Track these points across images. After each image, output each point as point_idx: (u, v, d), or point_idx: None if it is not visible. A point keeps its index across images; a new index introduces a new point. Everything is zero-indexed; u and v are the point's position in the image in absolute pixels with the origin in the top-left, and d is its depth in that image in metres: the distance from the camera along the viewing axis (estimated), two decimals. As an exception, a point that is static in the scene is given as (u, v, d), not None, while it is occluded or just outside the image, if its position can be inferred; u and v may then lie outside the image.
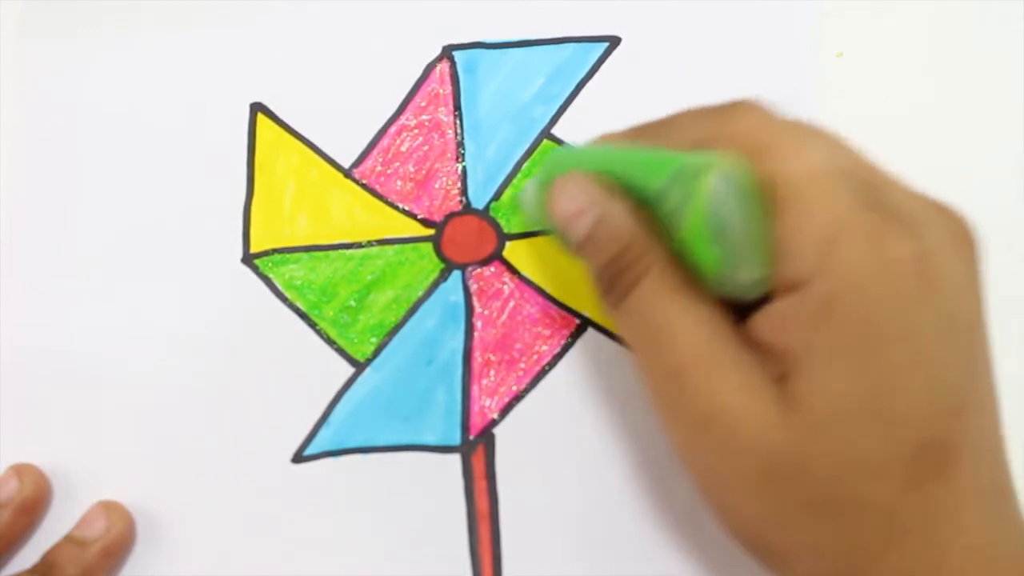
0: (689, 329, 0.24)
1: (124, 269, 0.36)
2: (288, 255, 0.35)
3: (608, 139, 0.29)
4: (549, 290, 0.34)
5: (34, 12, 0.39)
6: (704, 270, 0.24)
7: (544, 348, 0.33)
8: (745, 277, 0.24)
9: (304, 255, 0.35)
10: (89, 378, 0.34)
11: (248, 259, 0.35)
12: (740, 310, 0.25)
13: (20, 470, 0.33)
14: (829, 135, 0.25)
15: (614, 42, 0.37)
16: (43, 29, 0.39)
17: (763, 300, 0.24)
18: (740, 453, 0.23)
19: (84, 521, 0.32)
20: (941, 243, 0.23)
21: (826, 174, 0.23)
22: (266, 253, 0.35)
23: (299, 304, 0.35)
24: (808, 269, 0.23)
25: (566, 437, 0.32)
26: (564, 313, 0.34)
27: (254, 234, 0.36)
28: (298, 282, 0.35)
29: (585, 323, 0.34)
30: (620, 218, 0.26)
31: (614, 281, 0.26)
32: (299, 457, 0.33)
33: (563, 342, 0.33)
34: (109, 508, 0.32)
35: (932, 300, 0.23)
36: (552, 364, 0.33)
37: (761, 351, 0.24)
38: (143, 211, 0.36)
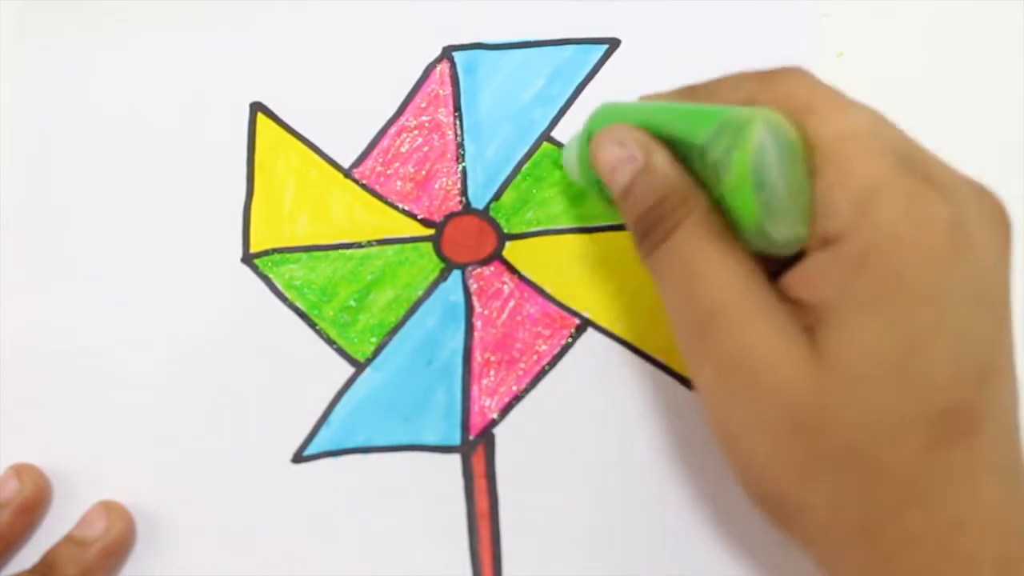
0: (724, 275, 0.24)
1: (124, 269, 0.36)
2: (288, 255, 0.35)
3: (652, 98, 0.29)
4: (549, 290, 0.34)
5: (34, 12, 0.39)
6: (744, 222, 0.24)
7: (544, 348, 0.33)
8: (785, 231, 0.24)
9: (304, 255, 0.35)
10: (89, 378, 0.34)
11: (248, 259, 0.35)
12: (773, 268, 0.25)
13: (20, 470, 0.33)
14: (872, 108, 0.25)
15: (614, 44, 0.37)
16: (43, 29, 0.39)
17: (796, 259, 0.25)
18: (766, 399, 0.23)
19: (84, 521, 0.32)
20: (976, 215, 0.24)
21: (868, 137, 0.24)
22: (266, 253, 0.35)
23: (299, 304, 0.35)
24: (845, 224, 0.23)
25: (566, 437, 0.32)
26: (564, 313, 0.34)
27: (254, 234, 0.36)
28: (298, 282, 0.35)
29: (585, 323, 0.34)
30: (663, 166, 0.26)
31: (654, 226, 0.26)
32: (299, 457, 0.33)
33: (563, 342, 0.33)
34: (109, 508, 0.32)
35: (963, 266, 0.23)
36: (552, 364, 0.33)
37: (793, 306, 0.24)
38: (143, 211, 0.36)
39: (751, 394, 0.24)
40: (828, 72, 0.36)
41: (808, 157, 0.24)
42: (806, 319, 0.24)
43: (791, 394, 0.23)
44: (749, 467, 0.25)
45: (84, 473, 0.33)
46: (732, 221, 0.25)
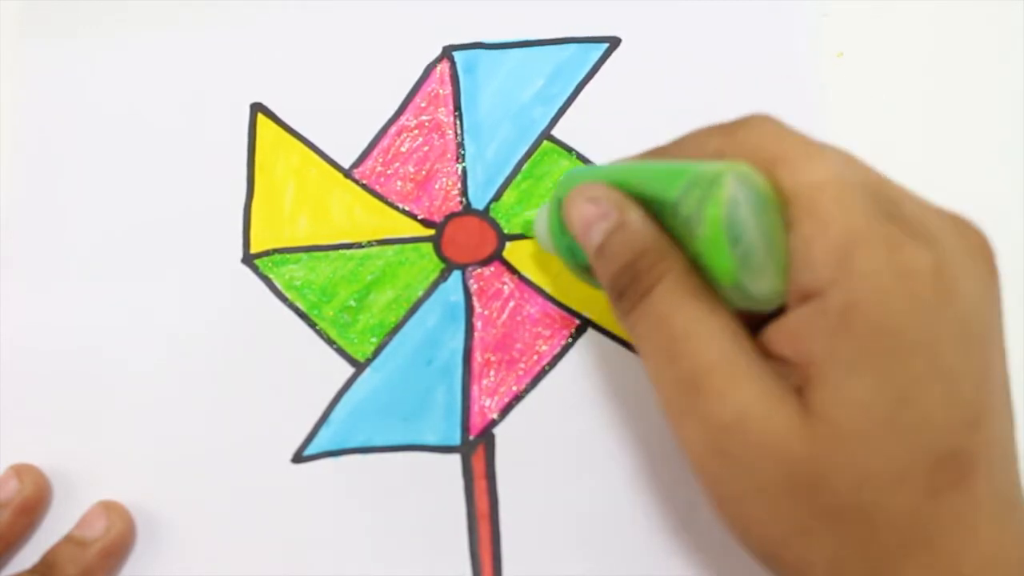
0: (707, 335, 0.24)
1: (124, 269, 0.36)
2: (288, 255, 0.35)
3: (621, 161, 0.29)
4: (549, 290, 0.34)
5: (34, 12, 0.39)
6: (721, 279, 0.24)
7: (544, 348, 0.33)
8: (763, 286, 0.24)
9: (304, 255, 0.35)
10: (89, 378, 0.34)
11: (248, 259, 0.35)
12: (753, 324, 0.25)
13: (20, 470, 0.33)
14: (841, 150, 0.25)
15: (614, 43, 0.37)
16: (43, 29, 0.39)
17: (775, 314, 0.24)
18: (759, 462, 0.23)
19: (84, 521, 0.32)
20: (957, 254, 0.23)
21: (841, 185, 0.23)
22: (266, 253, 0.35)
23: (299, 304, 0.35)
24: (825, 279, 0.23)
25: (566, 437, 0.32)
26: (564, 313, 0.34)
27: (254, 234, 0.36)
28: (298, 282, 0.35)
29: (585, 323, 0.34)
30: (638, 223, 0.25)
31: (631, 285, 0.25)
32: (299, 457, 0.33)
33: (563, 342, 0.33)
34: (109, 508, 0.32)
35: (949, 311, 0.23)
36: (552, 364, 0.33)
37: (777, 363, 0.24)
38: (143, 211, 0.36)
39: (744, 458, 0.23)
40: (828, 72, 0.36)
41: (782, 209, 0.24)
42: (792, 377, 0.23)
43: (785, 455, 0.23)
44: (746, 529, 0.25)
45: (84, 473, 0.33)
46: (709, 279, 0.24)
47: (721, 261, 0.24)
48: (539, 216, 0.31)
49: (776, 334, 0.24)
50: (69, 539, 0.32)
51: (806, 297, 0.23)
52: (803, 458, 0.23)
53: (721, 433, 0.23)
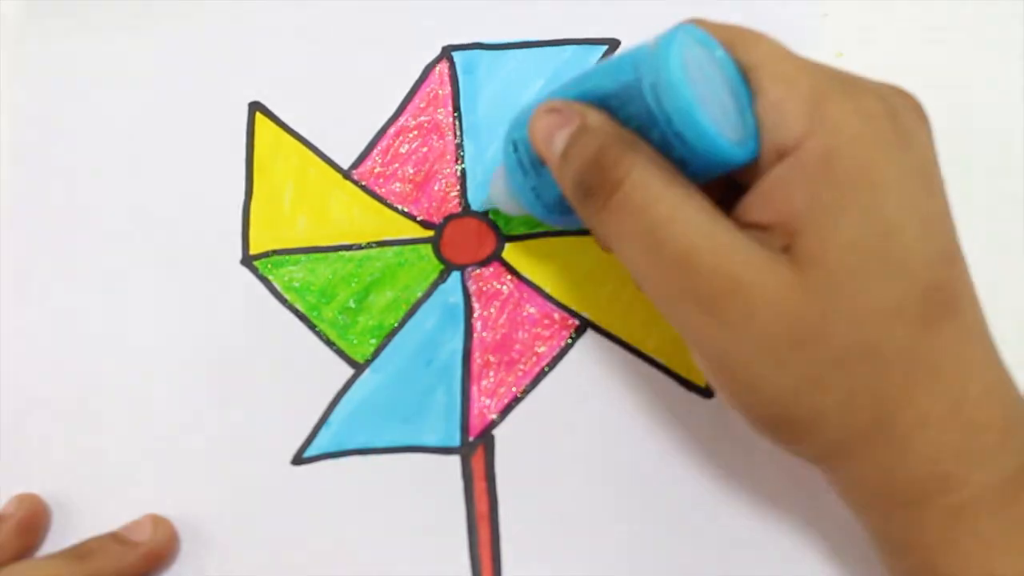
0: (686, 218, 0.24)
1: (123, 271, 0.36)
2: (287, 256, 0.35)
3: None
4: (548, 291, 0.34)
5: (34, 13, 0.39)
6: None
7: (543, 349, 0.33)
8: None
9: (303, 256, 0.35)
10: (88, 379, 0.34)
11: (247, 260, 0.35)
12: (723, 205, 0.25)
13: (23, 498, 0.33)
14: None
15: (613, 44, 0.37)
16: (43, 30, 0.39)
17: (744, 191, 0.25)
18: (761, 324, 0.24)
19: (132, 525, 0.32)
20: (904, 109, 0.25)
21: (794, 55, 0.25)
22: (265, 255, 0.35)
23: (298, 306, 0.35)
24: (800, 132, 0.24)
25: (566, 438, 0.32)
26: (564, 314, 0.34)
27: (253, 235, 0.36)
28: (297, 283, 0.35)
29: (585, 323, 0.34)
30: (598, 121, 0.26)
31: (597, 183, 0.25)
32: (299, 459, 0.33)
33: (563, 343, 0.33)
34: (157, 521, 0.32)
35: (909, 155, 0.24)
36: (552, 365, 0.33)
37: (757, 232, 0.24)
38: (142, 212, 0.36)
39: (745, 324, 0.24)
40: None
41: (744, 77, 0.25)
42: (775, 240, 0.24)
43: (785, 311, 0.23)
44: (753, 395, 0.25)
45: (82, 474, 0.33)
46: (678, 158, 0.25)
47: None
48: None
49: (752, 203, 0.25)
50: (114, 536, 0.32)
51: (781, 156, 0.24)
52: (802, 309, 0.23)
53: (718, 304, 0.24)
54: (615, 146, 0.25)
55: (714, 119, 0.24)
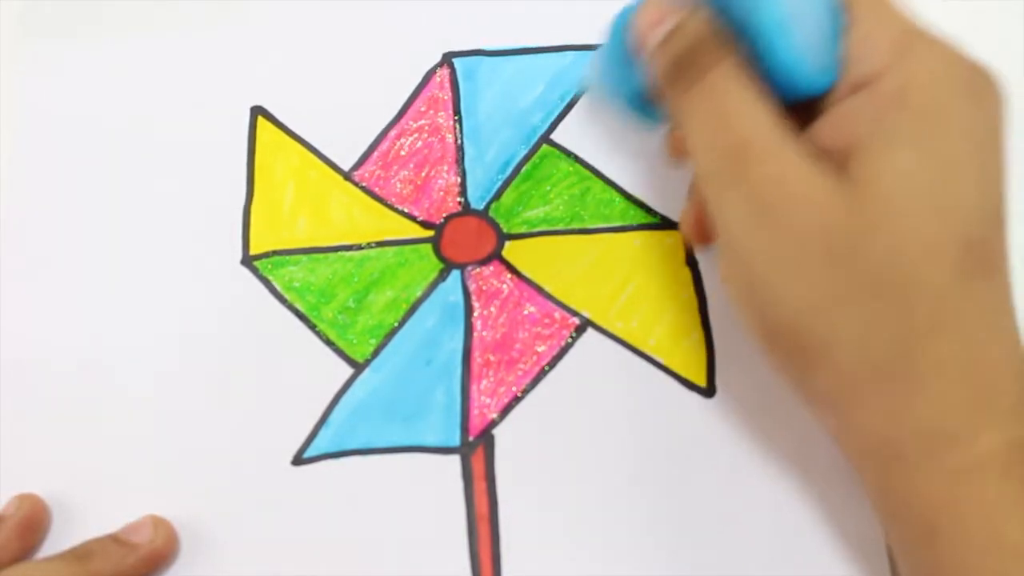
0: (755, 113, 0.25)
1: (124, 271, 0.36)
2: (287, 257, 0.35)
3: None
4: (549, 289, 0.34)
5: (34, 12, 0.40)
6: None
7: (543, 348, 0.33)
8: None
9: (303, 257, 0.35)
10: (88, 380, 0.34)
11: (247, 261, 0.35)
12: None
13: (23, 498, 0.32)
14: None
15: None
16: (43, 29, 0.39)
17: (814, 116, 0.26)
18: (799, 227, 0.24)
19: (131, 527, 0.32)
20: (985, 73, 0.25)
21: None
22: (265, 255, 0.35)
23: (298, 305, 0.35)
24: (882, 64, 0.24)
25: (566, 437, 0.32)
26: (564, 313, 0.34)
27: (254, 236, 0.36)
28: (297, 284, 0.35)
29: (585, 323, 0.34)
30: (699, 21, 0.26)
31: (688, 67, 0.26)
32: (299, 459, 0.33)
33: (563, 342, 0.33)
34: (157, 523, 0.32)
35: (981, 110, 0.25)
36: (552, 364, 0.33)
37: (821, 152, 0.25)
38: (143, 213, 0.36)
39: (784, 223, 0.24)
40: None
41: (842, 10, 0.26)
42: (835, 161, 0.24)
43: (825, 221, 0.24)
44: (774, 307, 0.25)
45: (82, 474, 0.33)
46: (764, 72, 0.26)
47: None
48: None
49: (820, 127, 0.26)
50: (113, 538, 0.31)
51: (858, 87, 0.25)
52: (843, 225, 0.24)
53: (761, 200, 0.24)
54: (710, 42, 0.26)
55: (800, 43, 0.25)
